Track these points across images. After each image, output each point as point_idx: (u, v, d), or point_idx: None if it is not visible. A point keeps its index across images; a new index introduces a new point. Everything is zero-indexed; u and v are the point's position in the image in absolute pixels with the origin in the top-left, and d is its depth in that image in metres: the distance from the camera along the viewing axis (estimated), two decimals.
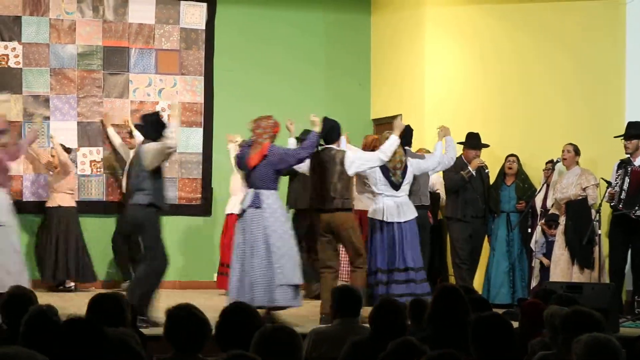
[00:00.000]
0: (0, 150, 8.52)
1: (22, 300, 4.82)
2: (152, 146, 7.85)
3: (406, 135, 8.96)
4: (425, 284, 8.65)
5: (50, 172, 10.58)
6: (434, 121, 10.00)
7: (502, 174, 10.26)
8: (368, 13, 12.19)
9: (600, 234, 9.11)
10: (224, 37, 11.51)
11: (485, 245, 10.27)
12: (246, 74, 11.58)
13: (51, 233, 10.42)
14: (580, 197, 9.37)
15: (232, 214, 10.59)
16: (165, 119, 8.41)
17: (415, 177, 8.98)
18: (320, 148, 8.34)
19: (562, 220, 9.46)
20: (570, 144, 9.58)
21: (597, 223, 9.02)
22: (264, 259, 7.77)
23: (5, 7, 10.76)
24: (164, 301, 7.78)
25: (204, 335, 3.98)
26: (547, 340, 4.85)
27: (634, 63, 10.11)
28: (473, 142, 10.12)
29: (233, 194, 10.56)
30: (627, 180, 8.98)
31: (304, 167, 8.52)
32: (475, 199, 10.01)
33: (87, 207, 10.93)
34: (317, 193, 8.40)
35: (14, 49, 10.80)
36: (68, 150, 10.58)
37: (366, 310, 5.00)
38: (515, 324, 4.90)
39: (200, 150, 11.39)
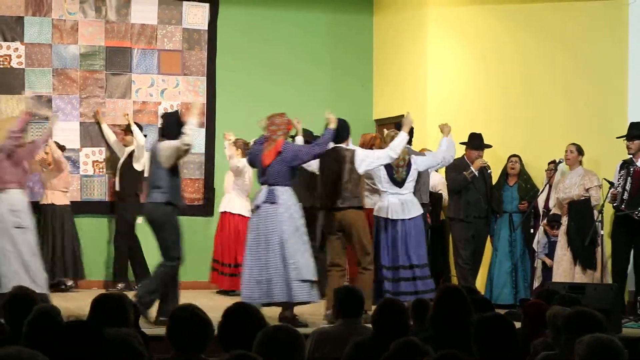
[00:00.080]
0: (21, 150, 8.45)
1: (25, 300, 4.82)
2: (168, 144, 7.90)
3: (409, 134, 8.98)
4: (429, 280, 8.68)
5: (44, 169, 10.59)
6: (437, 122, 9.98)
7: (504, 174, 10.26)
8: (370, 13, 12.20)
9: (602, 235, 9.11)
10: (226, 37, 11.52)
11: (488, 245, 10.27)
12: (249, 74, 11.58)
13: (47, 232, 10.42)
14: (583, 198, 9.37)
15: (225, 212, 10.66)
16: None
17: (419, 175, 9.02)
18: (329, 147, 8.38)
19: (564, 220, 9.45)
20: (573, 143, 9.58)
21: (600, 224, 9.02)
22: (278, 255, 7.82)
23: (8, 8, 10.76)
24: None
25: (207, 335, 3.98)
26: (549, 341, 4.85)
27: (637, 64, 10.11)
28: (476, 142, 10.12)
29: (226, 191, 10.69)
30: (629, 180, 8.98)
31: (313, 165, 8.56)
32: (478, 200, 10.01)
33: (90, 207, 10.95)
34: (327, 192, 8.44)
35: (17, 49, 10.80)
36: (62, 148, 10.60)
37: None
38: (518, 325, 4.89)
39: (203, 150, 11.39)
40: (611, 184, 9.05)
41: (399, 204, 8.76)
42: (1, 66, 10.76)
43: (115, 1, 11.12)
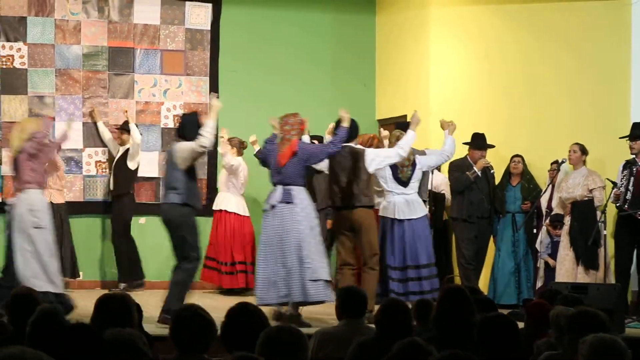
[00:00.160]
0: (42, 152, 8.45)
1: (28, 300, 4.83)
2: (184, 145, 7.90)
3: None
4: (435, 279, 8.70)
5: None
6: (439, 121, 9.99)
7: (507, 174, 10.25)
8: (373, 13, 12.19)
9: (605, 235, 9.10)
10: (229, 37, 11.52)
11: (491, 245, 10.26)
12: (251, 74, 11.58)
13: None
14: (587, 199, 9.36)
15: (220, 210, 10.66)
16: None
17: (422, 174, 9.05)
18: None
19: (567, 220, 9.45)
20: (577, 143, 9.58)
21: (603, 224, 9.02)
22: (295, 255, 7.84)
23: (11, 8, 10.77)
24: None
25: (209, 336, 3.98)
26: (552, 341, 4.84)
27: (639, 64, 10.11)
28: (478, 142, 10.11)
29: (220, 190, 10.77)
30: (632, 181, 8.97)
31: (322, 165, 8.57)
32: (481, 200, 10.00)
33: (93, 207, 10.96)
34: (338, 191, 8.46)
35: (19, 49, 10.81)
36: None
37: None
38: (521, 325, 4.90)
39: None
40: (614, 184, 9.05)
41: (405, 203, 8.78)
42: (4, 66, 10.76)
43: (118, 1, 11.13)
